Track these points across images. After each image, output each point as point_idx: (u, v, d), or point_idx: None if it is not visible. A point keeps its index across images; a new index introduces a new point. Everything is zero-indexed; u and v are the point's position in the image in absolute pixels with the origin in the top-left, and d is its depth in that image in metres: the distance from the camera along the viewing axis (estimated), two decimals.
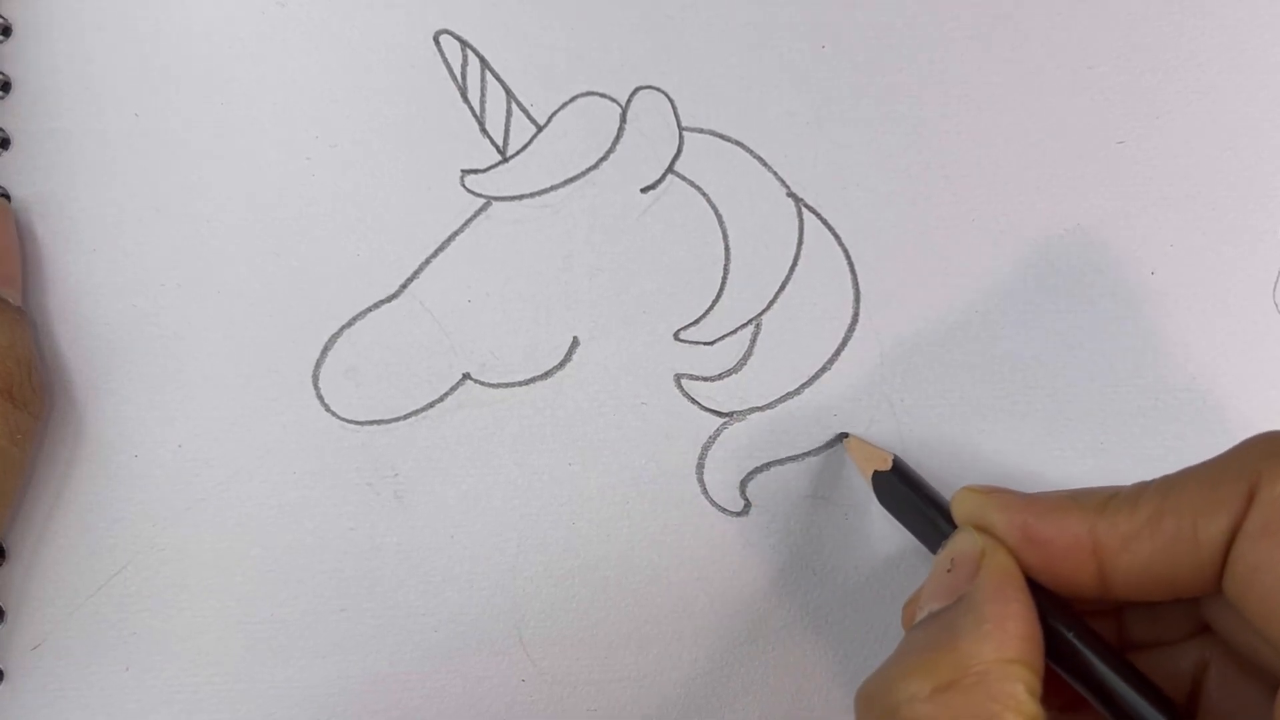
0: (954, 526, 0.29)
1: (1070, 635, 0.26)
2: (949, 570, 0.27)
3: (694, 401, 0.33)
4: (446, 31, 0.34)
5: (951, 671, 0.24)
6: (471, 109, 0.33)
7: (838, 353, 0.34)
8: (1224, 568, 0.24)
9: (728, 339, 0.34)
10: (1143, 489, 0.26)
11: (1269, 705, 0.25)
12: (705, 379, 0.34)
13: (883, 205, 0.34)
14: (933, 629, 0.25)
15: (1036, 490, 0.29)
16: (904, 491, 0.31)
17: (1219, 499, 0.24)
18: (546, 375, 0.33)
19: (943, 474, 0.33)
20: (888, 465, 0.32)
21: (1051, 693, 0.26)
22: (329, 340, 0.33)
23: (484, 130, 0.33)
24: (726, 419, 0.34)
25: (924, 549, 0.32)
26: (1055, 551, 0.26)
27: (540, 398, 0.33)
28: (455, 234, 0.33)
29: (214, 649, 0.33)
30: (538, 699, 0.33)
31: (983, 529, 0.28)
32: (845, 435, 0.33)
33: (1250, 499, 0.24)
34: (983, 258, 0.34)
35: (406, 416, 0.33)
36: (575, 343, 0.33)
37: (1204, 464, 0.25)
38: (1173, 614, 0.28)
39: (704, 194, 0.34)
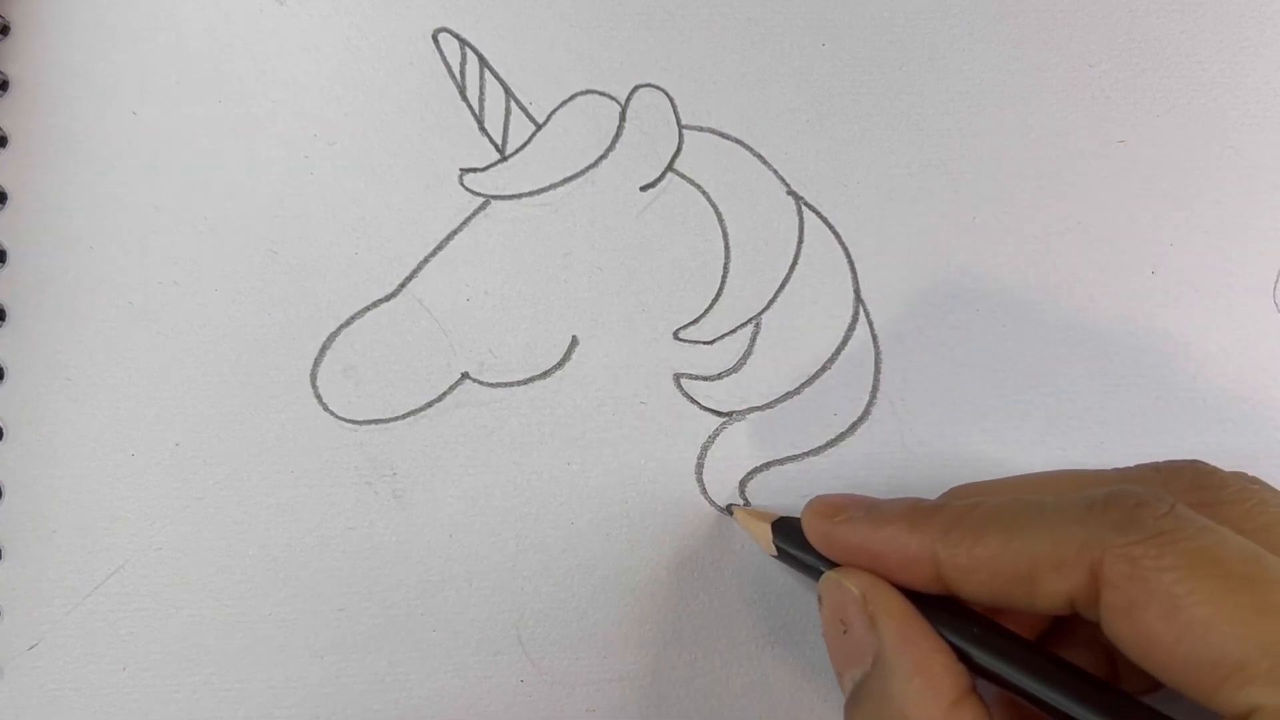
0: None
1: (963, 643, 0.26)
2: (845, 632, 0.27)
3: (693, 401, 0.33)
4: (445, 30, 0.33)
5: None
6: (470, 107, 0.33)
7: (838, 352, 0.34)
8: (1069, 605, 0.24)
9: (727, 338, 0.34)
10: (987, 522, 0.25)
11: None
12: (705, 378, 0.33)
13: (883, 203, 0.34)
14: (872, 704, 0.25)
15: None
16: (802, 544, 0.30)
17: (1060, 561, 0.24)
18: (545, 374, 0.33)
19: (943, 474, 0.33)
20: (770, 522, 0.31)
21: None
22: (327, 339, 0.33)
23: (483, 129, 0.33)
24: (726, 418, 0.33)
25: None
26: (902, 570, 0.26)
27: (539, 397, 0.33)
28: (454, 233, 0.33)
29: (212, 648, 0.33)
30: (536, 699, 0.33)
31: (844, 552, 0.27)
32: (730, 508, 0.33)
33: (1093, 575, 0.23)
34: (983, 257, 0.34)
35: (405, 416, 0.33)
36: (574, 342, 0.33)
37: (1051, 512, 0.25)
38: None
39: (704, 192, 0.34)
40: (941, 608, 0.26)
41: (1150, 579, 0.22)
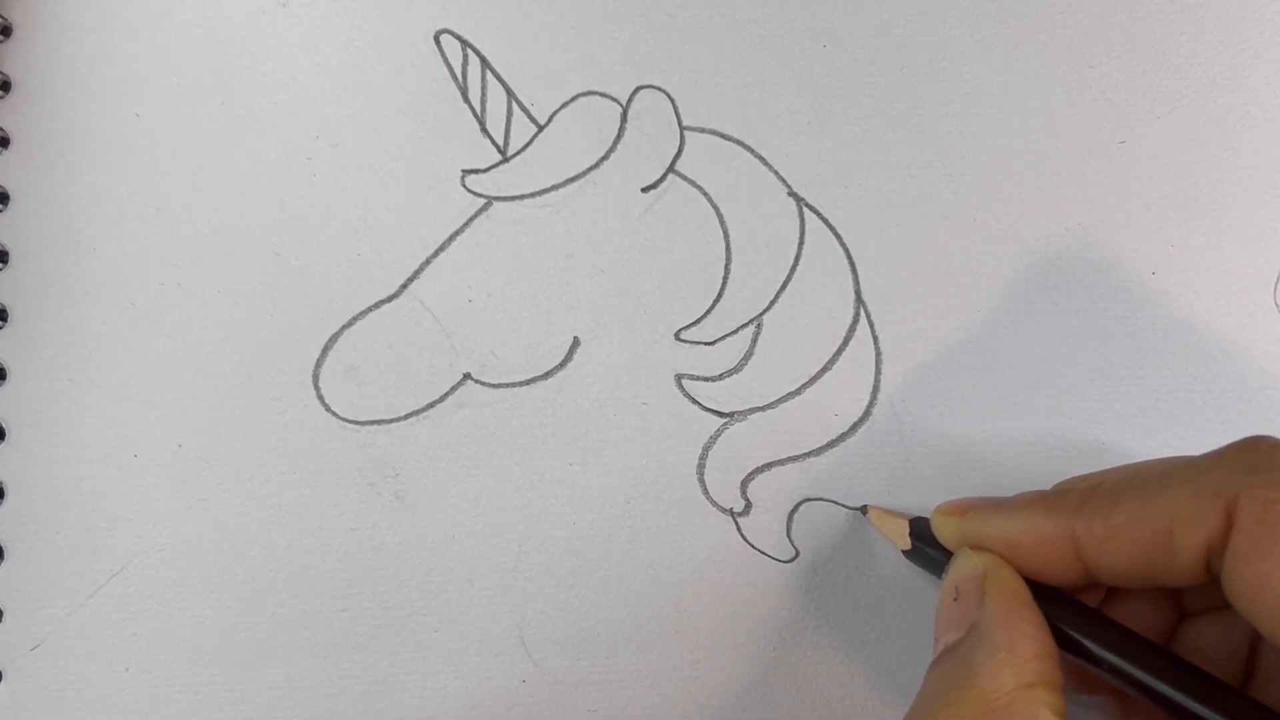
0: None
1: (1080, 636, 0.26)
2: (955, 599, 0.27)
3: (695, 401, 0.33)
4: (447, 31, 0.33)
5: (975, 708, 0.24)
6: (472, 108, 0.33)
7: (839, 353, 0.34)
8: (1206, 567, 0.24)
9: (729, 339, 0.34)
10: (1120, 490, 0.25)
11: None
12: (706, 379, 0.34)
13: (884, 205, 0.34)
14: (950, 665, 0.25)
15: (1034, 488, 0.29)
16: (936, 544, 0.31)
17: (1196, 512, 0.24)
18: (547, 375, 0.33)
19: (944, 474, 0.33)
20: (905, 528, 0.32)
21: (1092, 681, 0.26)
22: (329, 340, 0.33)
23: (485, 130, 0.33)
24: (727, 419, 0.33)
25: None
26: (1039, 555, 0.26)
27: (541, 398, 0.33)
28: (456, 234, 0.33)
29: (214, 649, 0.33)
30: (539, 699, 0.33)
31: (979, 546, 0.28)
32: (865, 508, 0.33)
33: (1229, 516, 0.23)
34: (984, 257, 0.34)
35: (407, 416, 0.33)
36: (576, 343, 0.33)
37: (1183, 467, 0.25)
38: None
39: (705, 193, 0.34)
40: (1066, 605, 0.27)
41: (1278, 524, 0.22)
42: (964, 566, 0.28)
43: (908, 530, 0.31)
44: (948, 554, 0.29)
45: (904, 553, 0.32)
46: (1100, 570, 0.26)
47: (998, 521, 0.27)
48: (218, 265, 0.33)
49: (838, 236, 0.34)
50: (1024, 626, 0.25)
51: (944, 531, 0.29)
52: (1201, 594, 0.29)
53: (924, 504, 0.33)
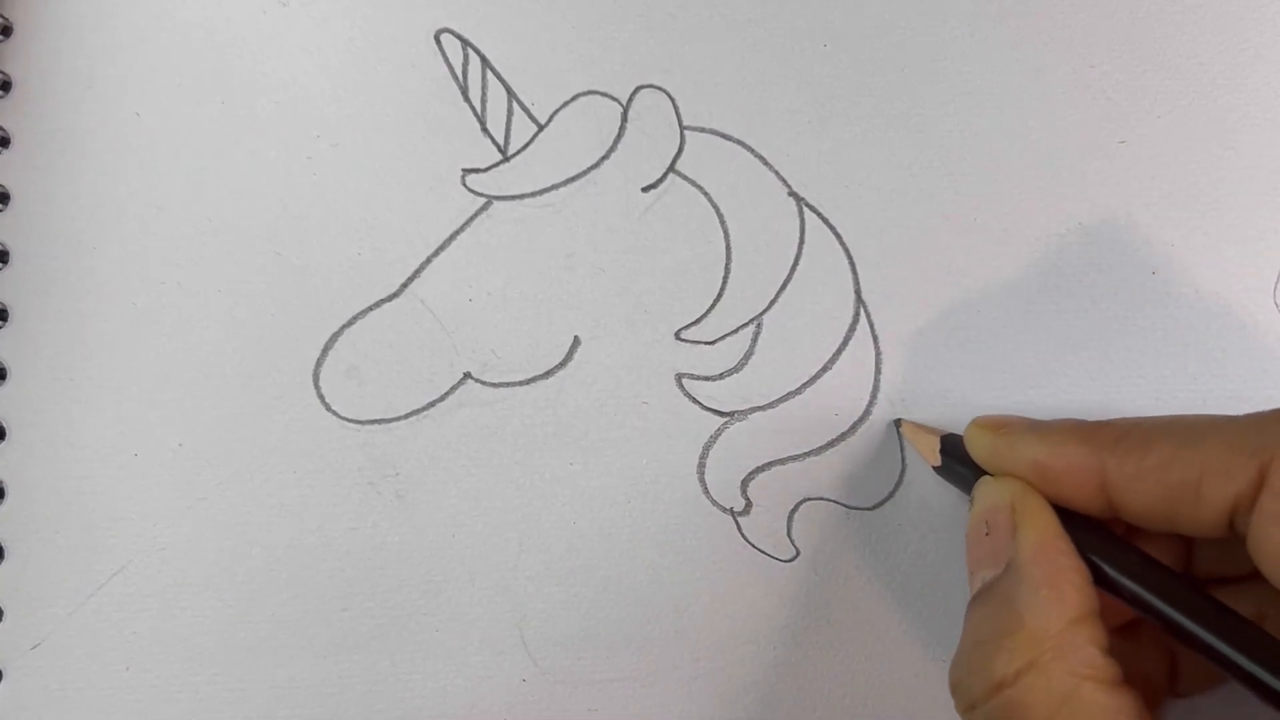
0: None
1: (1111, 569, 0.26)
2: (987, 534, 0.27)
3: (695, 401, 0.33)
4: (447, 30, 0.33)
5: (1027, 651, 0.24)
6: (472, 108, 0.33)
7: (839, 352, 0.34)
8: (1230, 524, 0.24)
9: (729, 338, 0.34)
10: (1157, 433, 0.26)
11: None
12: (706, 378, 0.34)
13: (884, 204, 0.34)
14: (993, 605, 0.26)
15: None
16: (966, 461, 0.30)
17: (1229, 467, 0.24)
18: (548, 374, 0.33)
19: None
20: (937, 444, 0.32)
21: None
22: (330, 339, 0.33)
23: (485, 129, 0.33)
24: (728, 418, 0.33)
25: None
26: (1066, 482, 0.26)
27: (541, 397, 0.33)
28: (456, 233, 0.33)
29: (215, 649, 0.33)
30: (539, 698, 0.33)
31: (1006, 470, 0.28)
32: (899, 421, 0.33)
33: (1261, 476, 0.24)
34: (984, 257, 0.34)
35: (408, 416, 0.33)
36: (576, 342, 0.33)
37: (1224, 422, 0.25)
38: (1238, 550, 0.27)
39: (705, 193, 0.34)
40: (1092, 531, 0.26)
41: None
42: (991, 497, 0.28)
43: (939, 446, 0.31)
44: (979, 472, 0.29)
45: (934, 469, 0.32)
46: (1124, 507, 0.26)
47: (1031, 442, 0.27)
48: (218, 265, 0.33)
49: (838, 236, 0.34)
50: (1061, 559, 0.25)
51: (977, 445, 0.29)
52: (1214, 560, 0.29)
53: (924, 501, 0.33)
